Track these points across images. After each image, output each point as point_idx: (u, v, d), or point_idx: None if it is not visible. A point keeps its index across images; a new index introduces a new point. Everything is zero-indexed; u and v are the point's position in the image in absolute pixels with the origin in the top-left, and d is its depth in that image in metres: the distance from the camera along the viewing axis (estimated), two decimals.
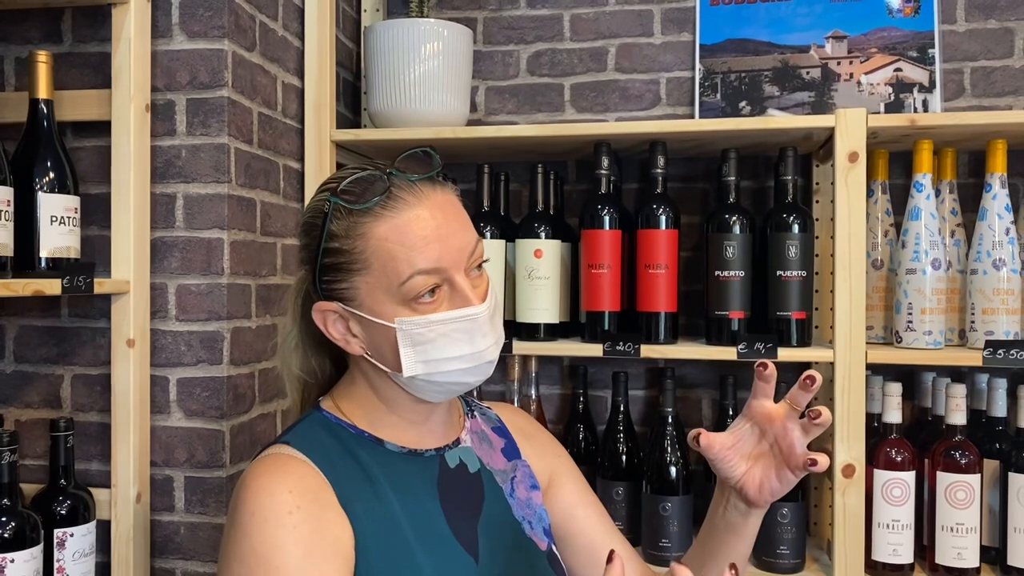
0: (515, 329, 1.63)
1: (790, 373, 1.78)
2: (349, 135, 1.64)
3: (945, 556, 1.47)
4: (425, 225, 0.91)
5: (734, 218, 1.54)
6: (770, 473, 0.94)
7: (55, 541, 1.24)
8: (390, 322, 0.92)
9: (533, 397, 1.75)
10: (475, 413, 1.11)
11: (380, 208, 0.91)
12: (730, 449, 0.95)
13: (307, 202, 0.99)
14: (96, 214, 1.38)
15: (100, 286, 1.24)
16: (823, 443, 1.72)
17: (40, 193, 1.22)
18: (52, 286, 1.16)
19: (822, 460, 0.89)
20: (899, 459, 1.49)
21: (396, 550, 0.90)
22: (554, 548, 1.05)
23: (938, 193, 1.60)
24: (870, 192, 1.63)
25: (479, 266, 0.96)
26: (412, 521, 0.93)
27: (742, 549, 1.01)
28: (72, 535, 1.25)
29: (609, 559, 0.76)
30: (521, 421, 1.17)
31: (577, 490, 1.13)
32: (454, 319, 0.92)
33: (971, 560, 1.46)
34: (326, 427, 0.97)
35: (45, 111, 1.26)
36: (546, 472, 1.12)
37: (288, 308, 1.06)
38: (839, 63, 1.76)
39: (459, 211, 0.95)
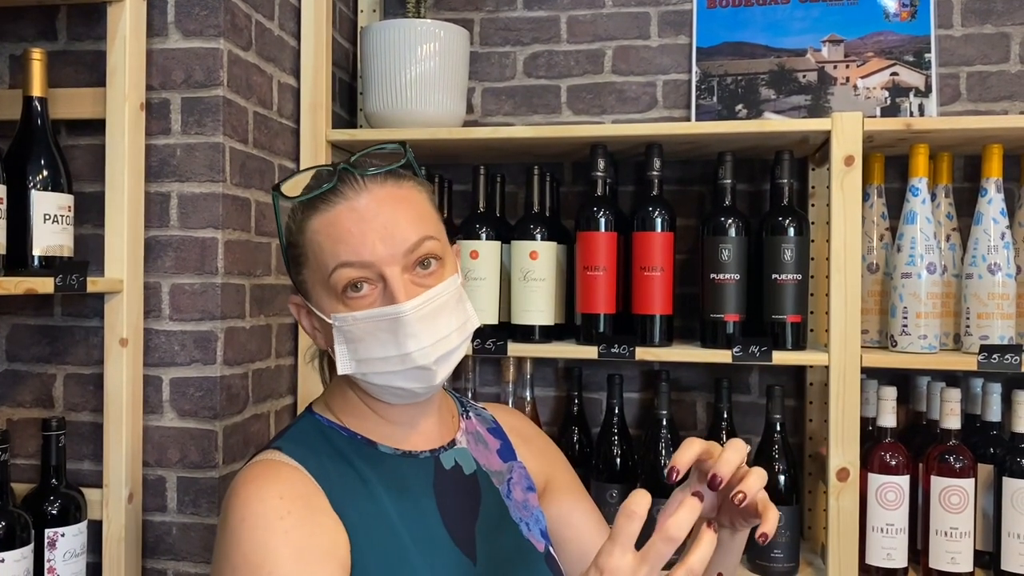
0: (510, 331, 1.62)
1: (785, 376, 1.78)
2: (345, 135, 1.63)
3: (939, 560, 1.47)
4: (353, 218, 0.89)
5: (730, 221, 1.54)
6: (737, 517, 0.91)
7: (46, 541, 1.23)
8: (327, 317, 0.92)
9: (528, 399, 1.74)
10: (470, 414, 1.10)
11: (319, 202, 0.91)
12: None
13: None
14: (90, 212, 1.38)
15: (93, 285, 1.24)
16: (819, 447, 1.72)
17: (33, 191, 1.21)
18: (44, 284, 1.15)
19: (769, 531, 0.85)
20: (893, 463, 1.49)
21: (392, 554, 0.90)
22: (551, 550, 1.05)
23: (934, 197, 1.60)
24: (866, 196, 1.63)
25: (425, 263, 0.91)
26: (408, 524, 0.92)
27: (729, 562, 1.00)
28: (63, 535, 1.24)
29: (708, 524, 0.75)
30: (517, 423, 1.16)
31: (574, 495, 1.13)
32: (376, 317, 0.89)
33: (965, 565, 1.46)
34: (318, 430, 0.97)
35: (39, 109, 1.25)
36: (542, 475, 1.12)
37: None
38: (835, 67, 1.77)
39: (408, 206, 0.92)
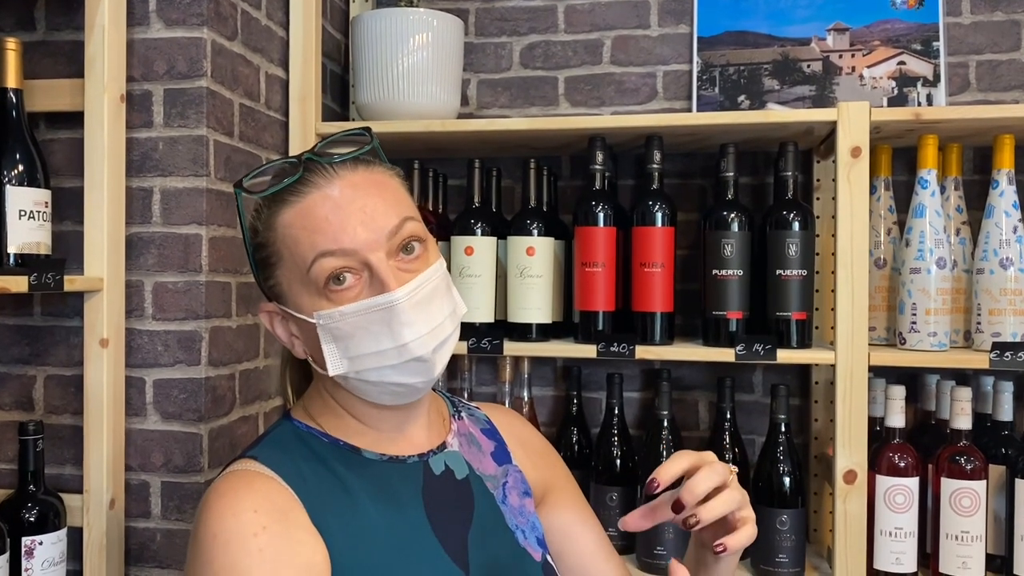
0: (507, 329, 1.58)
1: (789, 375, 1.73)
2: (335, 128, 1.59)
3: (949, 565, 1.42)
4: (330, 205, 0.84)
5: (732, 215, 1.50)
6: (720, 533, 0.90)
7: (23, 549, 1.18)
8: (310, 317, 0.86)
9: (525, 399, 1.70)
10: (462, 414, 1.05)
11: (288, 194, 0.86)
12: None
13: None
14: (70, 208, 1.33)
15: (71, 283, 1.19)
16: (824, 448, 1.67)
17: (8, 186, 1.17)
18: (19, 283, 1.10)
19: (729, 543, 0.87)
20: (902, 465, 1.44)
21: (376, 566, 0.85)
22: (549, 558, 1.00)
23: (943, 190, 1.55)
24: (873, 189, 1.58)
25: (408, 247, 0.87)
26: (395, 534, 0.87)
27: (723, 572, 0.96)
28: (41, 543, 1.20)
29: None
30: (514, 424, 1.11)
31: (576, 507, 1.08)
32: (367, 308, 0.84)
33: (976, 569, 1.41)
34: (297, 437, 0.91)
35: (14, 100, 1.20)
36: (541, 482, 1.06)
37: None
38: (841, 56, 1.72)
39: (382, 189, 0.88)
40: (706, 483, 0.85)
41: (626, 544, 1.59)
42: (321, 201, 0.85)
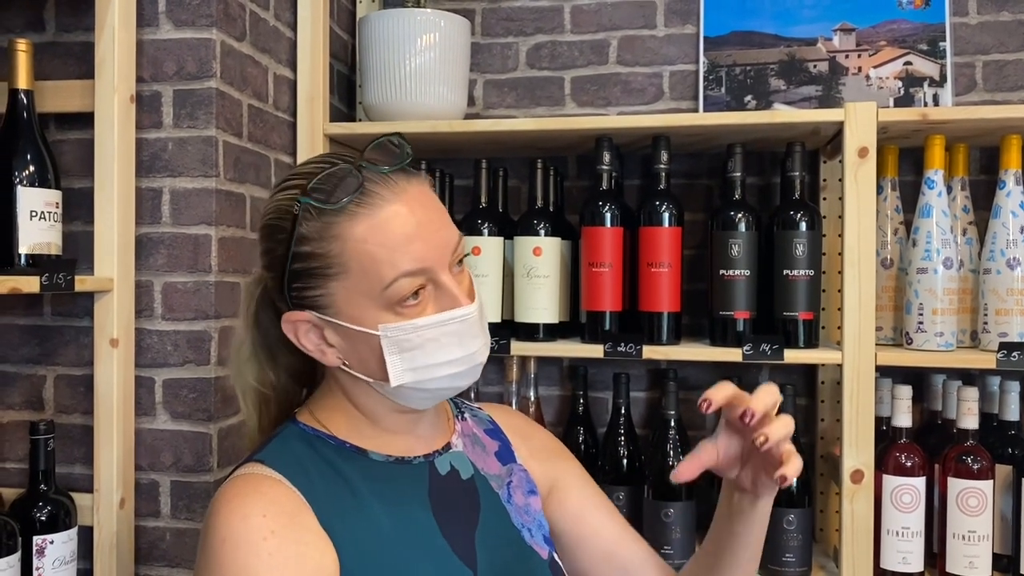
0: (513, 329, 1.58)
1: (796, 375, 1.74)
2: (343, 129, 1.59)
3: (956, 565, 1.42)
4: (406, 222, 0.85)
5: (739, 215, 1.50)
6: (760, 473, 0.91)
7: (34, 548, 1.19)
8: (373, 329, 0.86)
9: (532, 399, 1.70)
10: (465, 415, 1.06)
11: (354, 206, 0.84)
12: (720, 460, 0.92)
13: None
14: (80, 209, 1.34)
15: (82, 283, 1.20)
16: (831, 447, 1.68)
17: (19, 187, 1.17)
18: (30, 284, 1.11)
19: (788, 473, 0.84)
20: (909, 464, 1.44)
21: (385, 567, 0.85)
22: (555, 556, 1.01)
23: (950, 190, 1.55)
24: (879, 189, 1.58)
25: (459, 261, 0.91)
26: (403, 535, 0.88)
27: (753, 535, 0.96)
28: (52, 542, 1.20)
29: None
30: (516, 421, 1.12)
31: (585, 491, 1.08)
32: (445, 322, 0.86)
33: (983, 569, 1.41)
34: (303, 440, 0.92)
35: (25, 101, 1.21)
36: (547, 476, 1.07)
37: (240, 314, 0.98)
38: (847, 56, 1.72)
39: (437, 204, 0.90)
40: (768, 399, 0.86)
41: None
42: (395, 218, 0.84)
